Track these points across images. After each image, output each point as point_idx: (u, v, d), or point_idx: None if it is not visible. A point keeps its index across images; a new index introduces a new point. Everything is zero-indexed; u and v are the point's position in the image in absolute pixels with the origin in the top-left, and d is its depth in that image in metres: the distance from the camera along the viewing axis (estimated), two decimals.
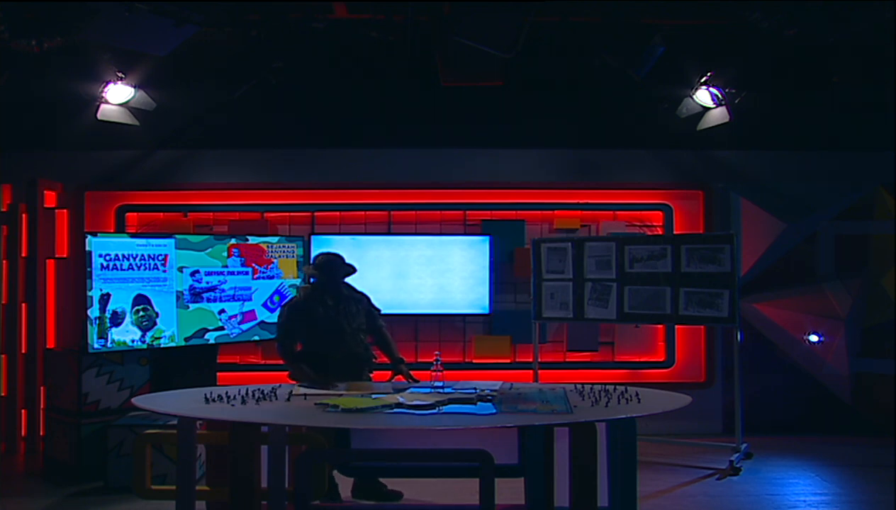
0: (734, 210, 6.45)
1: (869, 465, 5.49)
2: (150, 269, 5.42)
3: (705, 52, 5.68)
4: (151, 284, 5.42)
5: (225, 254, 5.78)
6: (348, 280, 4.67)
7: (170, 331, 5.49)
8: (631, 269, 5.69)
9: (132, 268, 5.34)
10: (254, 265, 5.92)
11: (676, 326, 6.39)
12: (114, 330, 5.23)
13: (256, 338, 5.98)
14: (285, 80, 5.89)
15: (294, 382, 4.27)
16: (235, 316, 5.83)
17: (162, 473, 4.78)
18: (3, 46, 4.66)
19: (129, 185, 6.41)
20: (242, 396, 3.66)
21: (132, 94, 5.74)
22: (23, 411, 6.03)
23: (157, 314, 5.44)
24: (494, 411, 3.41)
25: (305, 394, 3.79)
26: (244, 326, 5.88)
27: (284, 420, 3.44)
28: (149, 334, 5.39)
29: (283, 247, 6.10)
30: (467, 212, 6.49)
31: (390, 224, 6.49)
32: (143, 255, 5.39)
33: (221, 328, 5.75)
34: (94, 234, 5.27)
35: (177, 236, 5.63)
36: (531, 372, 6.05)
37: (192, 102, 6.33)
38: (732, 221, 6.40)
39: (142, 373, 5.42)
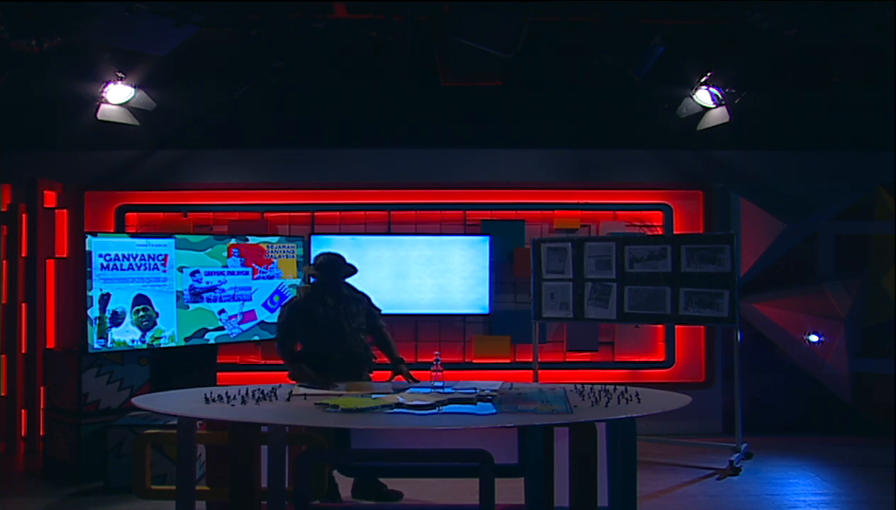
0: (734, 210, 6.45)
1: (869, 465, 5.49)
2: (150, 269, 5.42)
3: (705, 52, 5.68)
4: (151, 284, 5.42)
5: (225, 254, 5.78)
6: (349, 280, 4.67)
7: (170, 331, 5.49)
8: (631, 269, 5.69)
9: (132, 269, 5.34)
10: (254, 265, 5.92)
11: (676, 326, 6.39)
12: (114, 330, 5.23)
13: (256, 338, 5.98)
14: (285, 80, 5.88)
15: (294, 382, 4.26)
16: (235, 316, 5.83)
17: (162, 473, 4.78)
18: (3, 46, 4.66)
19: (129, 185, 6.41)
20: (242, 396, 3.66)
21: (132, 94, 5.74)
22: (23, 411, 6.03)
23: (157, 314, 5.44)
24: (494, 411, 3.41)
25: (305, 394, 3.79)
26: (244, 326, 5.88)
27: (284, 420, 3.44)
28: (149, 334, 5.39)
29: (283, 247, 6.10)
30: (467, 212, 6.49)
31: (390, 224, 6.49)
32: (143, 255, 5.39)
33: (221, 328, 5.75)
34: (94, 234, 5.27)
35: (177, 236, 5.63)
36: (531, 372, 6.05)
37: (192, 102, 6.33)
38: (732, 221, 6.40)
39: (142, 373, 5.42)
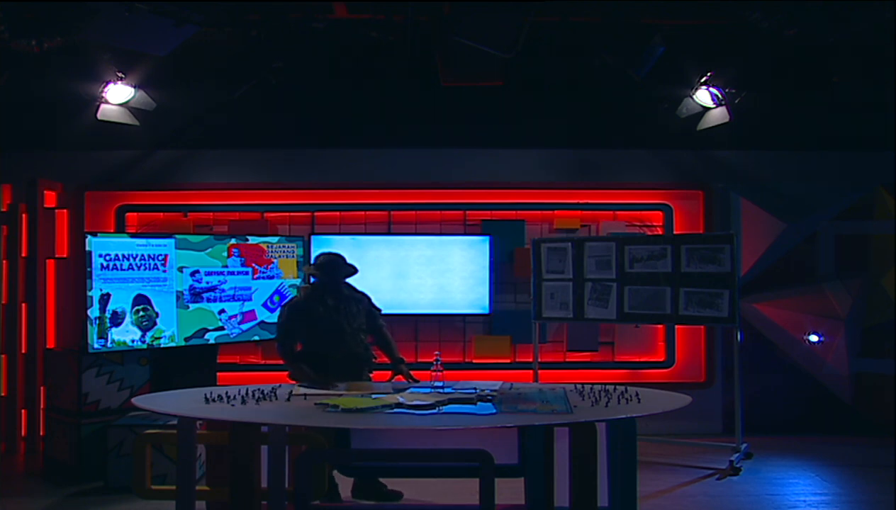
0: (734, 210, 6.45)
1: (869, 465, 5.49)
2: (150, 269, 5.42)
3: (705, 52, 5.68)
4: (151, 284, 5.42)
5: (225, 254, 5.78)
6: (349, 280, 4.67)
7: (170, 331, 5.49)
8: (631, 269, 5.69)
9: (132, 269, 5.34)
10: (254, 265, 5.92)
11: (676, 326, 6.39)
12: (114, 330, 5.23)
13: (256, 338, 5.98)
14: (285, 80, 5.88)
15: (294, 382, 4.26)
16: (235, 316, 5.83)
17: (162, 473, 4.78)
18: (3, 46, 4.66)
19: (129, 185, 6.41)
20: (242, 396, 3.66)
21: (132, 94, 5.73)
22: (23, 411, 6.03)
23: (157, 314, 5.44)
24: (494, 411, 3.41)
25: (305, 394, 3.79)
26: (244, 326, 5.88)
27: (284, 420, 3.44)
28: (149, 334, 5.39)
29: (283, 247, 6.10)
30: (467, 212, 6.49)
31: (390, 224, 6.49)
32: (143, 255, 5.39)
33: (221, 328, 5.75)
34: (94, 234, 5.27)
35: (177, 236, 5.63)
36: (531, 372, 6.05)
37: (192, 102, 6.33)
38: (732, 221, 6.40)
39: (142, 373, 5.42)
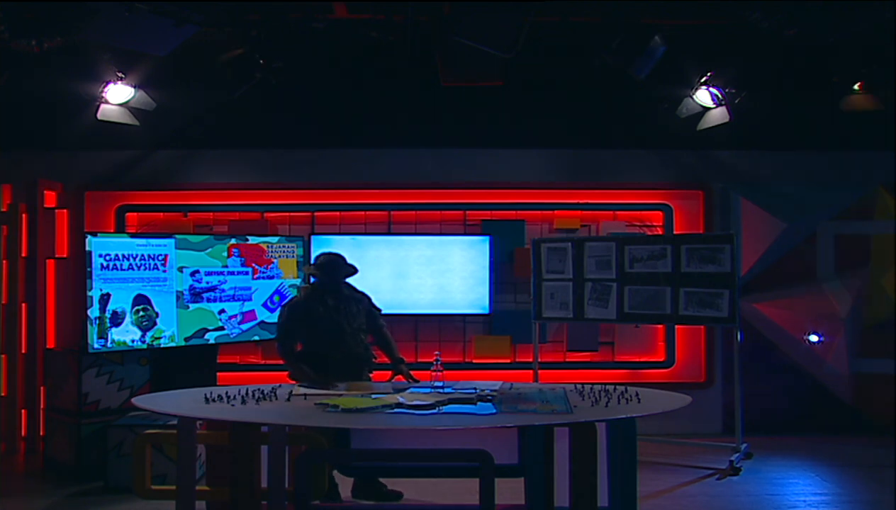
0: (734, 210, 6.45)
1: (869, 465, 5.49)
2: (150, 269, 5.42)
3: (705, 52, 5.68)
4: (151, 284, 5.42)
5: (225, 254, 5.78)
6: (349, 280, 4.67)
7: (170, 331, 5.49)
8: (631, 269, 5.69)
9: (132, 269, 5.34)
10: (254, 265, 5.92)
11: (676, 326, 6.39)
12: (114, 330, 5.23)
13: (256, 338, 5.98)
14: (285, 80, 5.88)
15: (294, 382, 4.27)
16: (235, 316, 5.83)
17: (162, 473, 4.78)
18: (3, 46, 4.66)
19: (129, 185, 6.41)
20: (242, 396, 3.66)
21: (132, 94, 5.73)
22: (23, 411, 6.03)
23: (157, 314, 5.44)
24: (494, 411, 3.41)
25: (305, 394, 3.79)
26: (244, 326, 5.88)
27: (284, 420, 3.44)
28: (149, 334, 5.39)
29: (283, 247, 6.10)
30: (467, 212, 6.49)
31: (390, 224, 6.49)
32: (143, 255, 5.39)
33: (221, 328, 5.76)
34: (94, 234, 5.27)
35: (177, 236, 5.63)
36: (531, 372, 6.05)
37: (192, 102, 6.33)
38: (732, 221, 6.40)
39: (142, 373, 5.42)
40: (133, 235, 5.68)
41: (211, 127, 6.42)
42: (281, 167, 6.50)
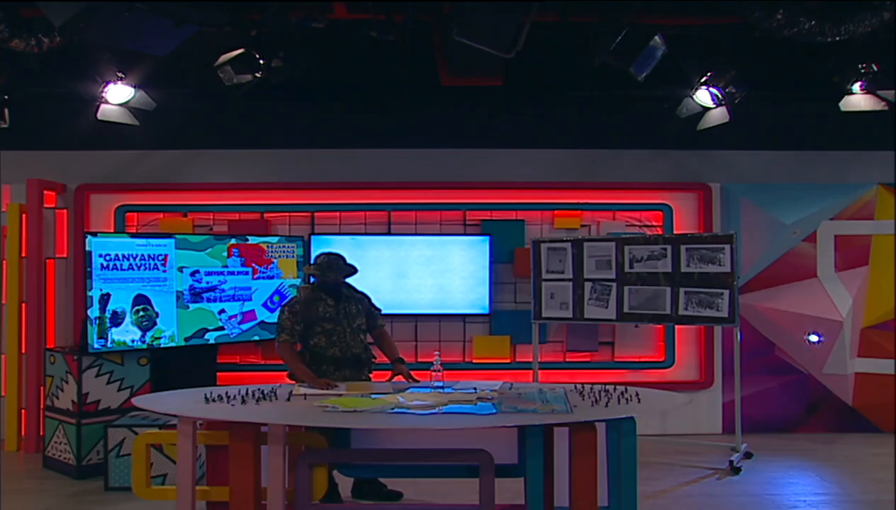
0: (734, 210, 6.45)
1: (869, 465, 5.49)
2: (150, 269, 5.42)
3: (705, 52, 5.68)
4: (151, 284, 5.42)
5: (225, 254, 5.79)
6: (349, 280, 4.67)
7: (170, 331, 5.49)
8: (631, 269, 5.69)
9: (132, 269, 5.34)
10: (254, 265, 5.92)
11: (676, 326, 6.38)
12: (114, 330, 5.23)
13: (256, 338, 5.98)
14: (285, 80, 5.88)
15: (294, 382, 4.27)
16: (235, 316, 5.83)
17: (162, 473, 4.78)
18: (3, 46, 4.66)
19: (129, 186, 6.41)
20: (242, 396, 3.66)
21: (132, 94, 5.73)
22: (23, 411, 6.03)
23: (157, 314, 5.44)
24: (494, 411, 3.41)
25: (305, 394, 3.80)
26: (244, 326, 5.88)
27: (284, 420, 3.44)
28: (149, 334, 5.39)
29: (283, 247, 6.10)
30: (467, 212, 6.49)
31: (390, 224, 6.49)
32: (143, 255, 5.40)
33: (221, 328, 5.76)
34: (94, 234, 5.27)
35: (177, 236, 5.63)
36: (531, 372, 6.06)
37: (192, 102, 6.33)
38: (732, 221, 6.40)
39: (142, 373, 5.42)
40: (133, 235, 5.68)
41: (211, 127, 6.42)
42: (281, 167, 6.50)
